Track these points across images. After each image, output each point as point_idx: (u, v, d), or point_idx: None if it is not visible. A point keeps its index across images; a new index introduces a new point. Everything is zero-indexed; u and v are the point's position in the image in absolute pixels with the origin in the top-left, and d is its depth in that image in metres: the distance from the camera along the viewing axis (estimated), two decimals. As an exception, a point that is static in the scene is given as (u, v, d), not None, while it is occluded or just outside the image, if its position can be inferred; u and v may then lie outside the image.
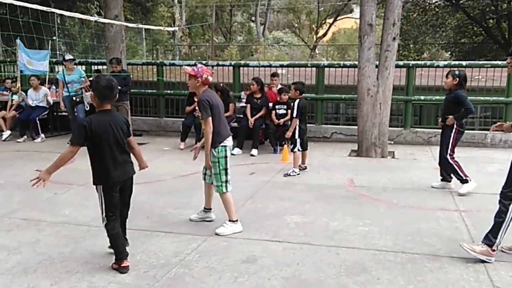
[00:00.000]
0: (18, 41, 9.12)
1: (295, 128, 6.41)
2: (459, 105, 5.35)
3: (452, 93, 5.45)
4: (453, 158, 5.45)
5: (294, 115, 6.40)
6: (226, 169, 4.19)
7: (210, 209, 4.52)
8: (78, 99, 8.79)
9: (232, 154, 7.71)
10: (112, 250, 3.53)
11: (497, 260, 3.59)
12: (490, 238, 3.55)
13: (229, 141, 4.23)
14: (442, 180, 5.70)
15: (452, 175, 5.54)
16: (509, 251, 3.75)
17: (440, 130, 5.71)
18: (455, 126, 5.40)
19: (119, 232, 3.47)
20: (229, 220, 4.25)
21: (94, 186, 3.44)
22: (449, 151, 5.43)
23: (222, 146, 4.16)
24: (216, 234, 4.14)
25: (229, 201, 4.25)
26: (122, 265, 3.41)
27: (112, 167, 3.38)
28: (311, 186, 5.84)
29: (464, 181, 5.40)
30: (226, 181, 4.21)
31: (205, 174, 4.40)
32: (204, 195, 4.53)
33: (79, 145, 3.35)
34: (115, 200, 3.43)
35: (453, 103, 5.41)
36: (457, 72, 5.46)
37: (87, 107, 8.79)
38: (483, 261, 3.55)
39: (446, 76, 5.52)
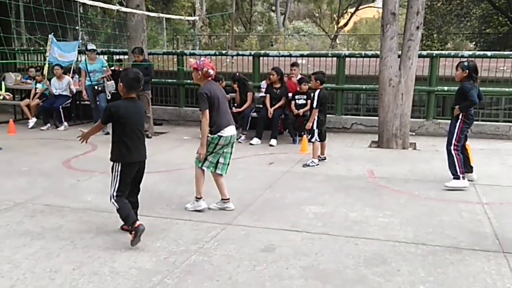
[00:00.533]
0: (51, 36, 9.33)
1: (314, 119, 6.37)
2: (465, 96, 5.25)
3: (460, 84, 5.37)
4: (457, 150, 5.32)
5: (314, 105, 6.35)
6: (212, 153, 4.43)
7: (228, 199, 4.55)
8: (100, 88, 8.90)
9: (251, 144, 7.83)
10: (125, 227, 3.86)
11: (520, 253, 3.53)
12: None
13: (227, 131, 4.41)
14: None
15: (449, 167, 5.39)
16: None
17: None
18: (461, 116, 5.30)
19: (127, 202, 3.77)
20: (195, 197, 4.53)
21: (111, 163, 3.78)
22: (454, 141, 5.32)
23: (218, 135, 4.37)
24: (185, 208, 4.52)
25: (197, 178, 4.50)
26: (136, 225, 3.63)
27: (134, 149, 3.77)
28: (330, 177, 5.81)
29: (456, 176, 5.28)
30: (205, 160, 4.44)
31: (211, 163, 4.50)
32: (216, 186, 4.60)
33: (104, 124, 3.89)
34: (129, 180, 3.78)
35: (461, 94, 5.31)
36: (466, 64, 5.34)
37: (108, 96, 8.90)
38: (505, 255, 3.49)
39: (456, 68, 5.42)
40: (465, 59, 5.87)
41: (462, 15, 19.79)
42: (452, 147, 5.32)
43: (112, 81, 8.92)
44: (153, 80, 9.19)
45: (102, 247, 3.66)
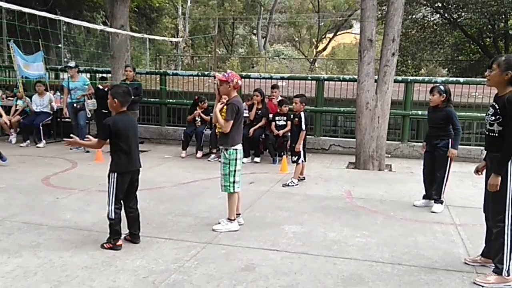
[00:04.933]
0: (11, 43, 9.15)
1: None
2: (449, 122, 5.25)
3: (440, 110, 5.28)
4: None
5: (303, 127, 6.47)
6: (235, 171, 4.52)
7: (239, 214, 4.71)
8: (79, 106, 8.87)
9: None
10: (128, 237, 4.14)
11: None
12: (497, 266, 3.51)
13: (240, 146, 4.56)
14: (424, 198, 5.61)
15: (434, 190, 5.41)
16: (473, 263, 3.81)
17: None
18: (449, 145, 5.27)
19: (120, 217, 3.99)
20: (227, 218, 4.55)
21: (107, 176, 3.96)
22: (446, 168, 5.32)
23: (233, 149, 4.48)
24: (213, 230, 4.48)
25: (234, 201, 4.58)
26: (118, 244, 3.93)
27: (132, 158, 4.02)
28: (309, 197, 5.90)
29: (440, 201, 5.38)
30: (234, 182, 4.52)
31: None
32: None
33: (104, 140, 4.01)
34: (124, 188, 3.98)
35: (443, 120, 5.26)
36: (442, 88, 5.29)
37: (88, 115, 8.86)
38: (478, 275, 3.60)
39: (431, 93, 5.34)
40: (439, 84, 5.98)
41: (436, 42, 20.45)
42: (445, 176, 5.32)
43: (93, 100, 8.91)
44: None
45: (80, 265, 3.63)
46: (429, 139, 5.49)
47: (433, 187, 5.47)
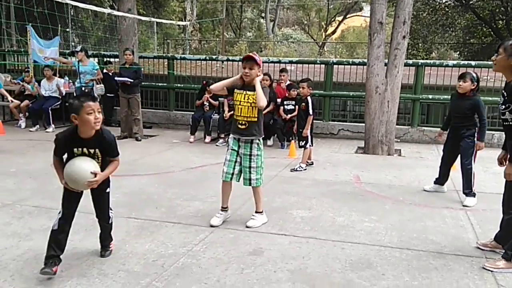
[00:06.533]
0: (29, 27, 9.21)
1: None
2: (475, 112, 5.02)
3: (468, 98, 5.02)
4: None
5: (311, 112, 6.43)
6: (263, 162, 4.30)
7: (226, 207, 4.42)
8: (87, 90, 8.89)
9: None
10: None
11: (502, 259, 3.62)
12: (507, 252, 3.48)
13: None
14: (435, 183, 5.53)
15: (464, 182, 5.17)
16: (484, 247, 3.78)
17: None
18: (474, 133, 5.08)
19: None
20: (257, 212, 4.33)
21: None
22: (473, 159, 5.11)
23: (262, 138, 4.26)
24: (248, 227, 4.19)
25: (262, 194, 4.37)
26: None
27: None
28: (317, 182, 5.89)
29: (472, 193, 5.12)
30: (262, 174, 4.31)
31: (232, 174, 4.25)
32: (223, 195, 4.38)
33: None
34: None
35: (471, 110, 5.02)
36: (475, 75, 5.01)
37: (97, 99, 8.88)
38: (488, 260, 3.58)
39: (463, 79, 5.01)
40: (470, 70, 5.52)
41: (447, 25, 20.13)
42: (472, 164, 5.09)
43: (102, 85, 8.92)
44: (143, 83, 9.23)
45: (90, 249, 3.66)
46: (453, 128, 5.25)
47: (446, 175, 5.40)
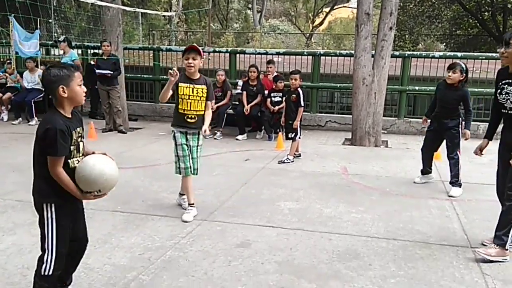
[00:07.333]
0: (11, 18, 9.00)
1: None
2: (462, 103, 5.07)
3: (456, 89, 5.04)
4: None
5: (302, 103, 6.41)
6: None
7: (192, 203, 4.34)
8: None
9: (237, 139, 7.98)
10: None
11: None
12: (502, 238, 3.49)
13: None
14: (423, 173, 5.57)
15: (452, 172, 5.23)
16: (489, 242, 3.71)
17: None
18: (459, 124, 5.14)
19: None
20: (192, 204, 4.25)
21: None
22: (459, 149, 5.19)
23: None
24: (185, 221, 4.09)
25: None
26: None
27: None
28: (305, 174, 5.89)
29: (458, 183, 5.18)
30: None
31: (190, 167, 4.23)
32: (190, 191, 4.29)
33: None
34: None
35: (458, 100, 5.05)
36: (464, 66, 5.00)
37: None
38: (473, 250, 3.62)
39: (453, 70, 5.00)
40: (457, 61, 5.59)
41: (434, 16, 20.25)
42: (459, 155, 5.17)
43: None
44: (128, 75, 9.11)
45: (76, 243, 3.61)
46: (437, 117, 5.27)
47: (430, 163, 5.47)
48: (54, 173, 2.46)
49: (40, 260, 2.61)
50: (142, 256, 3.42)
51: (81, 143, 2.60)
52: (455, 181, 5.18)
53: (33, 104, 9.14)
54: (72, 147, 2.51)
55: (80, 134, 2.58)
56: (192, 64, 4.06)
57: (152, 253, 3.47)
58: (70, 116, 2.54)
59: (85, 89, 2.58)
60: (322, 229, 4.01)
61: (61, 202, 2.57)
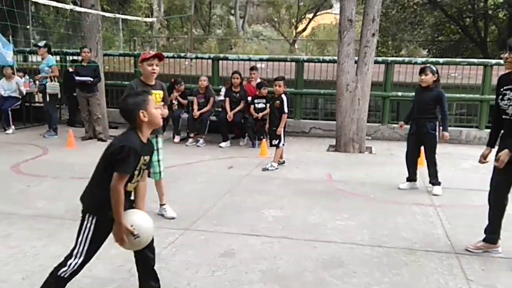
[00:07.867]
0: None
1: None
2: (438, 104, 5.21)
3: (431, 90, 5.22)
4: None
5: (286, 110, 6.37)
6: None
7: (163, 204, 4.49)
8: (40, 89, 8.62)
9: (220, 147, 7.89)
10: None
11: (470, 254, 3.67)
12: (492, 234, 3.61)
13: None
14: (408, 180, 5.60)
15: (430, 174, 5.44)
16: (476, 249, 3.71)
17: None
18: (436, 127, 5.29)
19: None
20: (164, 204, 4.43)
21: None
22: (435, 150, 5.37)
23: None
24: (172, 218, 4.33)
25: (163, 186, 4.42)
26: None
27: None
28: (289, 181, 5.85)
29: (438, 182, 5.39)
30: None
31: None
32: (163, 192, 4.48)
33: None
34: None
35: (434, 101, 5.21)
36: (434, 68, 5.26)
37: (47, 98, 8.54)
38: (457, 255, 3.61)
39: (424, 73, 5.21)
40: (427, 64, 5.76)
41: (416, 22, 20.52)
42: (435, 157, 5.37)
43: (55, 83, 8.53)
44: (108, 82, 8.98)
45: (54, 255, 3.48)
46: (415, 120, 5.42)
47: (415, 170, 5.54)
48: (116, 188, 2.44)
49: (64, 261, 2.60)
50: (122, 268, 3.33)
51: (144, 172, 2.66)
52: (434, 181, 5.40)
53: (10, 112, 8.93)
54: (136, 171, 2.54)
55: (146, 162, 2.61)
56: (155, 70, 4.13)
57: (132, 265, 3.34)
58: (145, 141, 2.60)
59: (160, 112, 2.65)
60: (306, 237, 3.97)
61: (103, 219, 2.56)
